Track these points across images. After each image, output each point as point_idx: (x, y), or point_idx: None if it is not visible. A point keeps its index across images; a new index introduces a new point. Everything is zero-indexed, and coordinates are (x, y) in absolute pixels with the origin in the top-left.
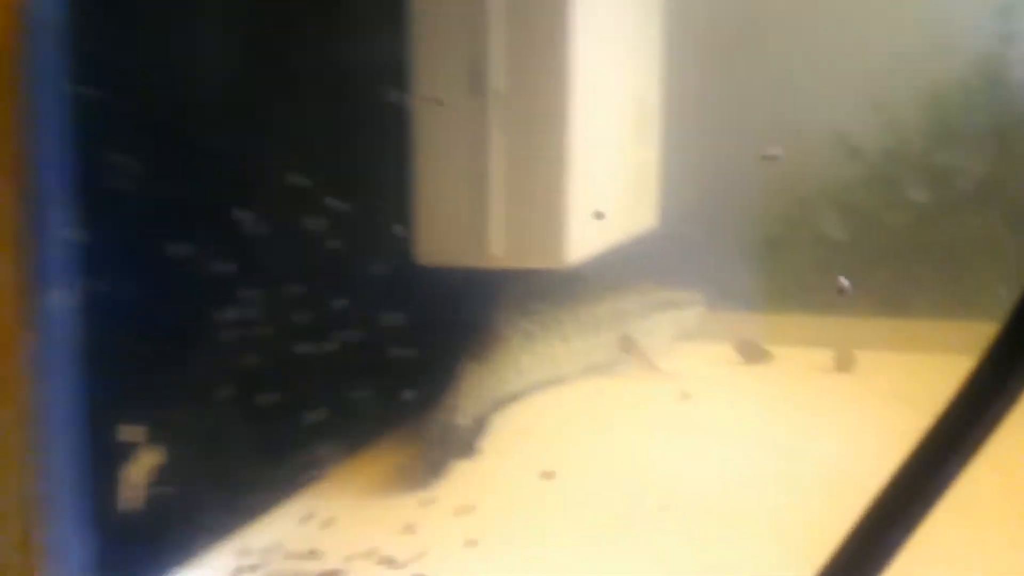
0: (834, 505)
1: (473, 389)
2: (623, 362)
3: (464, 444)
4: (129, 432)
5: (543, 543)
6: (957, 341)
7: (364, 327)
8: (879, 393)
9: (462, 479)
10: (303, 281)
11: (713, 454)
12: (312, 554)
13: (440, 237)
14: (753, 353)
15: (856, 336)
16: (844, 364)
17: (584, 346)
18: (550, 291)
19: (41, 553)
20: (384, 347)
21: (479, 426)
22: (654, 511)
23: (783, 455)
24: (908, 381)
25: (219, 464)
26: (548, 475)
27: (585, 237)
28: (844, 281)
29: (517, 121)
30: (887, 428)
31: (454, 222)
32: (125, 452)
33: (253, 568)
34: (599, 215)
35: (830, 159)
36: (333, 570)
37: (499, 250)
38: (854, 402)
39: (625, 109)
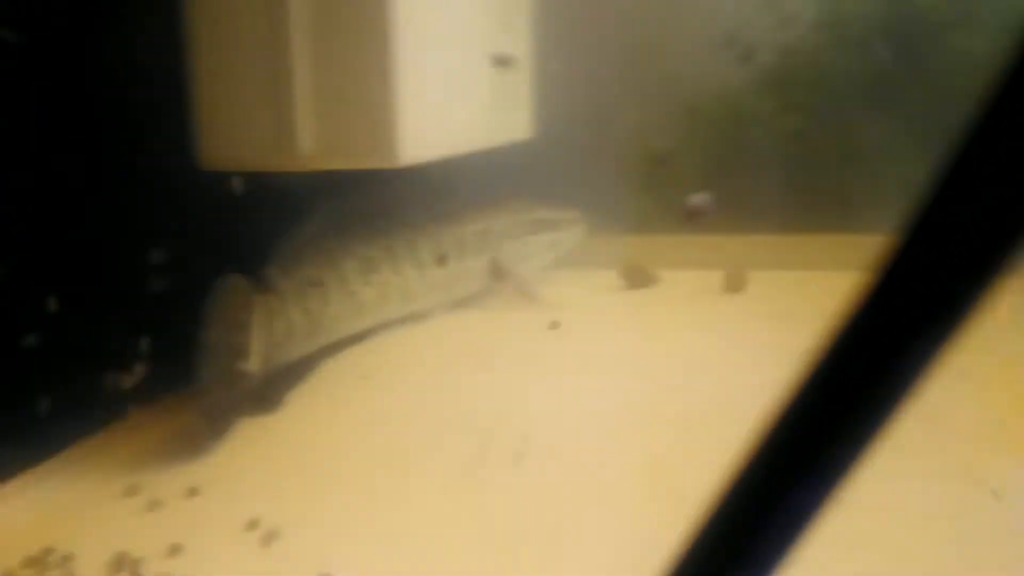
0: (711, 439)
1: (271, 330)
2: (493, 292)
3: (259, 397)
4: None
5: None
6: (851, 256)
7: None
8: (767, 313)
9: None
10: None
11: (587, 389)
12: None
13: (231, 136)
14: (638, 277)
15: (749, 256)
16: (735, 285)
17: (444, 275)
18: (396, 209)
19: None
20: (149, 281)
21: (285, 375)
22: (511, 456)
23: (663, 386)
24: (797, 300)
25: None
26: (388, 421)
27: (429, 136)
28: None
29: None
30: (773, 348)
31: (248, 118)
32: None
33: None
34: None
35: (720, 63)
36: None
37: (311, 148)
38: (742, 324)
39: None
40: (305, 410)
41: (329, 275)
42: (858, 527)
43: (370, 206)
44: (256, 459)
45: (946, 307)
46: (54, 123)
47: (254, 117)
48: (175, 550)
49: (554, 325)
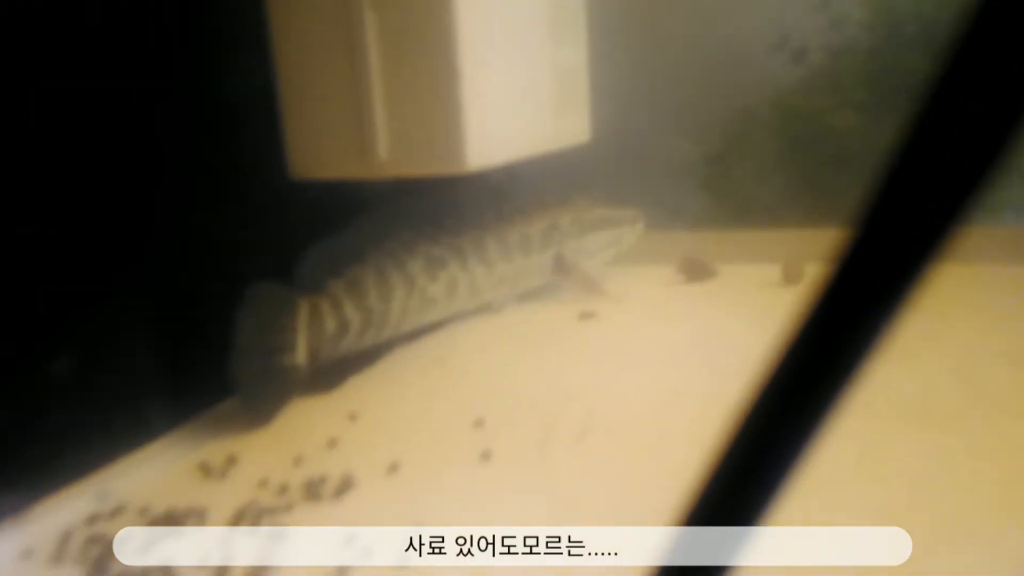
0: None
1: (321, 328)
2: (559, 286)
3: (314, 380)
4: None
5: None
6: None
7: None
8: None
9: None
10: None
11: (648, 376)
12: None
13: (315, 145)
14: (696, 271)
15: (806, 249)
16: (793, 277)
17: (511, 270)
18: (465, 209)
19: None
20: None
21: (350, 361)
22: (578, 433)
23: (723, 374)
24: None
25: (81, 400)
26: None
27: (494, 142)
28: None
29: (398, 5)
30: None
31: (329, 127)
32: None
33: (114, 514)
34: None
35: (773, 63)
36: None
37: (386, 155)
38: (792, 313)
39: (536, 4)
40: (374, 387)
41: (392, 272)
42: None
43: (434, 209)
44: (305, 428)
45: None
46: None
47: (335, 126)
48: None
49: (606, 315)
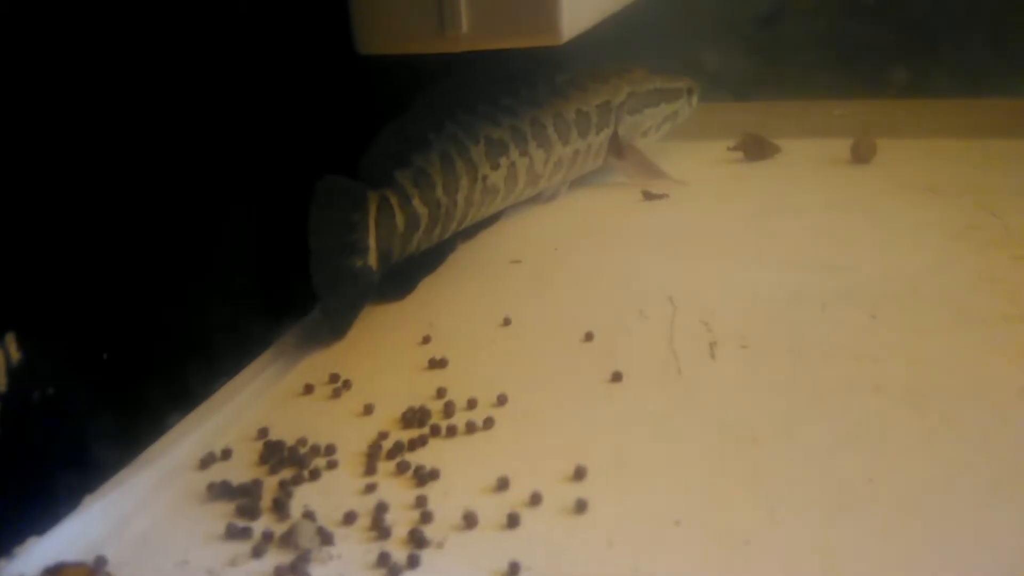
0: (906, 324)
1: (392, 225)
2: (613, 168)
3: (387, 285)
4: None
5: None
6: (981, 121)
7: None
8: (904, 184)
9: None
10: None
11: (742, 270)
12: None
13: (387, 18)
14: (757, 148)
15: (872, 122)
16: (863, 155)
17: (569, 153)
18: (519, 84)
19: None
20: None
21: (419, 262)
22: (706, 347)
23: (823, 265)
24: (931, 170)
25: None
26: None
27: (581, 6)
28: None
29: None
30: (923, 224)
31: None
32: None
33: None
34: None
35: None
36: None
37: (469, 27)
38: (881, 197)
39: None
40: (451, 291)
41: (456, 160)
42: None
43: (484, 86)
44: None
45: None
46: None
47: None
48: None
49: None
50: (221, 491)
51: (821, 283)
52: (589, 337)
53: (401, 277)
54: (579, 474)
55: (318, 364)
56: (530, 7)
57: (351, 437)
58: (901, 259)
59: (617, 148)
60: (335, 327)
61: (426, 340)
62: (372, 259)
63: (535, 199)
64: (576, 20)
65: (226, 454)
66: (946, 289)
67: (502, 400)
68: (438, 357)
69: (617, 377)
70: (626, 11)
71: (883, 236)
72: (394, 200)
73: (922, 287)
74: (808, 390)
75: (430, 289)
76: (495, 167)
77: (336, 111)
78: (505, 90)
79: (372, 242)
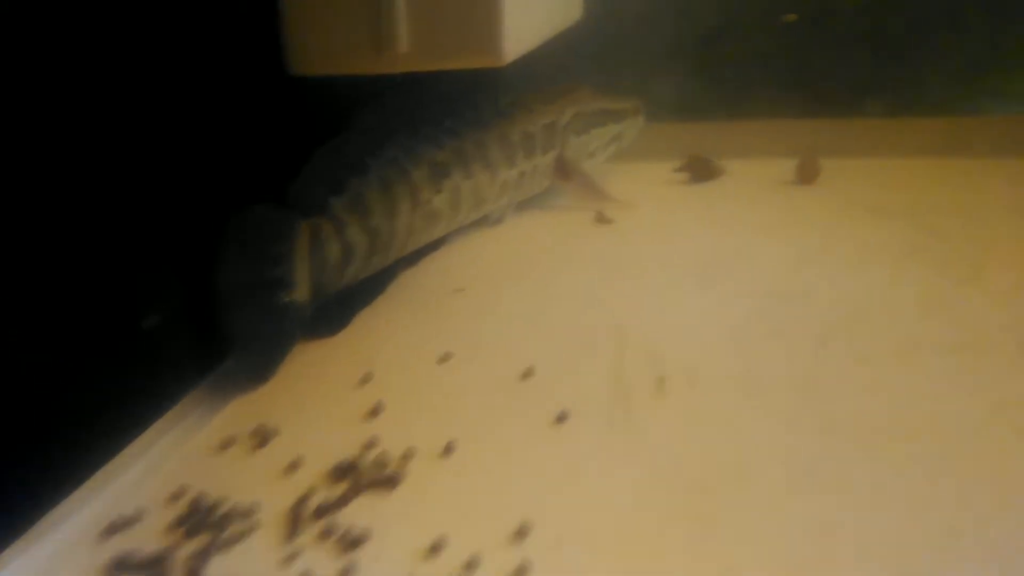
0: (856, 352)
1: (323, 256)
2: (559, 191)
3: (319, 321)
4: None
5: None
6: (924, 140)
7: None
8: (851, 204)
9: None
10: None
11: (691, 296)
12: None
13: (321, 37)
14: (702, 170)
15: (814, 142)
16: (808, 175)
17: (515, 175)
18: (462, 105)
19: None
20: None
21: (356, 292)
22: (654, 382)
23: (774, 291)
24: (877, 190)
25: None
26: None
27: (524, 28)
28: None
29: None
30: (873, 245)
31: (340, 17)
32: None
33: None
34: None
35: None
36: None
37: (408, 47)
38: (829, 218)
39: None
40: (390, 323)
41: (397, 184)
42: None
43: (425, 107)
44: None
45: None
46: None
47: (347, 16)
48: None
49: (617, 222)
50: (124, 565)
51: (770, 309)
52: (533, 373)
53: (336, 311)
54: (521, 533)
55: (240, 413)
56: (471, 28)
57: (274, 496)
58: (849, 283)
59: (563, 170)
60: (258, 371)
61: (363, 381)
62: (302, 293)
63: (481, 223)
64: (518, 41)
65: (132, 520)
66: (895, 316)
67: (441, 449)
68: (373, 401)
69: (562, 418)
70: (569, 32)
71: (830, 259)
72: (327, 229)
73: (871, 314)
74: (759, 429)
75: (367, 323)
76: (438, 190)
77: (265, 136)
78: (448, 111)
79: (302, 275)
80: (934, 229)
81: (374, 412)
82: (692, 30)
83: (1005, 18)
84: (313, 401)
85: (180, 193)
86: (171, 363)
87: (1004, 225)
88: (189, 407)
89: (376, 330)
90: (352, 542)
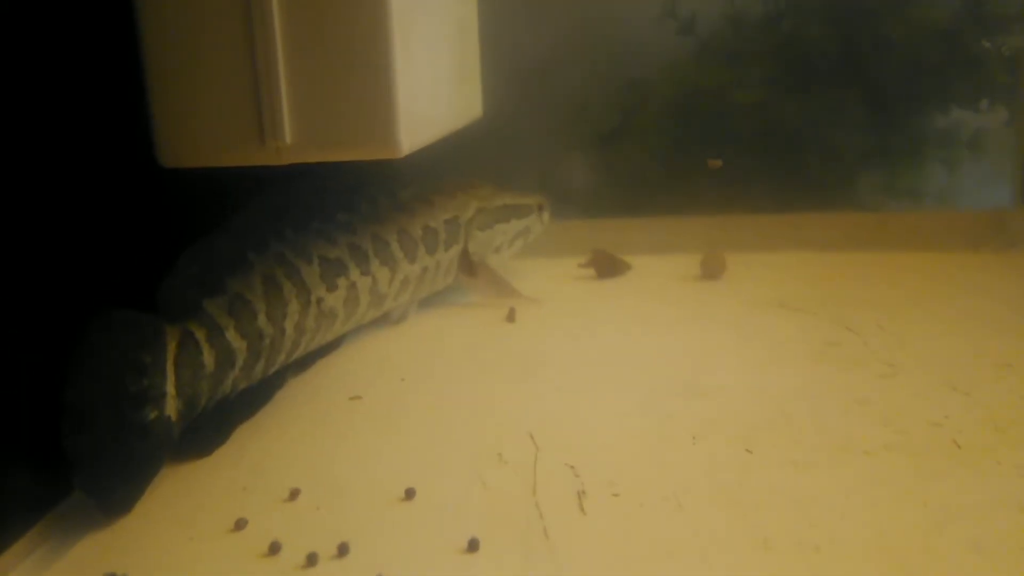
0: (777, 453)
1: (196, 365)
2: (463, 287)
3: (191, 439)
4: None
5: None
6: (827, 234)
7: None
8: (757, 300)
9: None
10: None
11: (605, 398)
12: None
13: (196, 127)
14: (607, 266)
15: (718, 238)
16: (713, 271)
17: (416, 271)
18: (358, 198)
19: None
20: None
21: (235, 405)
22: (574, 496)
23: (687, 391)
24: (782, 284)
25: None
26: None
27: (421, 120)
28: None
29: None
30: (783, 341)
31: (218, 107)
32: None
33: None
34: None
35: (661, 36)
36: None
37: (293, 139)
38: (736, 313)
39: None
40: (273, 440)
41: (284, 282)
42: None
43: (322, 200)
44: (191, 512)
45: None
46: None
47: (224, 103)
48: None
49: (525, 320)
50: None
51: (689, 410)
52: (438, 494)
53: (211, 426)
54: None
55: (88, 558)
56: (364, 118)
57: None
58: (766, 381)
59: (468, 265)
60: (113, 504)
61: (238, 522)
62: (170, 408)
63: (382, 321)
64: (415, 133)
65: None
66: (819, 415)
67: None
68: (249, 538)
69: (474, 546)
70: (469, 129)
71: (744, 356)
72: (200, 334)
73: (794, 413)
74: (689, 548)
75: (248, 438)
76: (332, 288)
77: (129, 232)
78: (341, 204)
79: (170, 387)
80: (845, 323)
81: (252, 551)
82: (593, 128)
83: (893, 116)
84: (179, 542)
85: (23, 295)
86: (3, 495)
87: (914, 319)
88: (23, 550)
89: (258, 447)
90: None
